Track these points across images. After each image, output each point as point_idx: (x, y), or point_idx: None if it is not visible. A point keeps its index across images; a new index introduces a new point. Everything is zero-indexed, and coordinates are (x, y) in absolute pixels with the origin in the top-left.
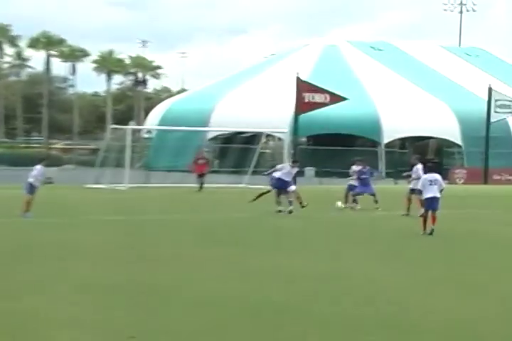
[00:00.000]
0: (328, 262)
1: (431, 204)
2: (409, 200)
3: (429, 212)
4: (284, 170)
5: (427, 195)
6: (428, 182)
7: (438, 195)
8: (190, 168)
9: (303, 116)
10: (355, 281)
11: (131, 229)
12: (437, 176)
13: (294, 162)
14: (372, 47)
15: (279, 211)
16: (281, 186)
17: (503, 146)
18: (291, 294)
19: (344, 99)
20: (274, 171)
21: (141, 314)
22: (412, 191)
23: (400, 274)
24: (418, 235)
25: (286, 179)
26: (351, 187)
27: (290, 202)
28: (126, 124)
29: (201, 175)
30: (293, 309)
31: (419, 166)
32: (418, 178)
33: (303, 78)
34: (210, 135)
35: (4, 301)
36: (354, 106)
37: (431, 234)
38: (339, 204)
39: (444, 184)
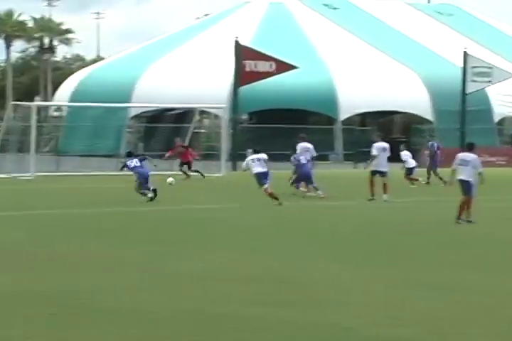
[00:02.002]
0: (268, 262)
1: None
2: (373, 183)
3: None
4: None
5: None
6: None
7: None
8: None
9: (244, 89)
10: (296, 283)
11: (38, 226)
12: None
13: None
14: (325, 5)
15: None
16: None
17: (482, 122)
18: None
19: (293, 67)
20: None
21: (40, 329)
22: (374, 173)
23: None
24: (381, 227)
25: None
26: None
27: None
28: (30, 100)
29: (185, 163)
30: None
31: (377, 144)
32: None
33: (243, 43)
34: (133, 112)
35: None
36: (305, 75)
37: None
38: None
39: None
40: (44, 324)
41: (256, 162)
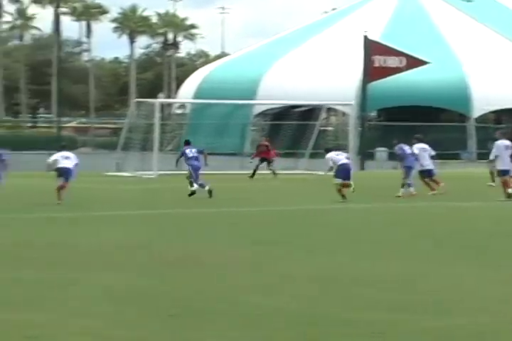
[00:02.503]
0: (398, 264)
1: None
2: (507, 183)
3: None
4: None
5: None
6: None
7: None
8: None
9: (373, 85)
10: (429, 287)
11: (162, 225)
12: None
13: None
14: None
15: None
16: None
17: None
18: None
19: (425, 62)
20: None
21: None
22: (502, 172)
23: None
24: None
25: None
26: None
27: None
28: (153, 97)
29: (264, 160)
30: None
31: (499, 142)
32: None
33: (373, 38)
34: (258, 110)
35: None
36: (437, 71)
37: None
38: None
39: None
40: (162, 325)
41: (340, 156)
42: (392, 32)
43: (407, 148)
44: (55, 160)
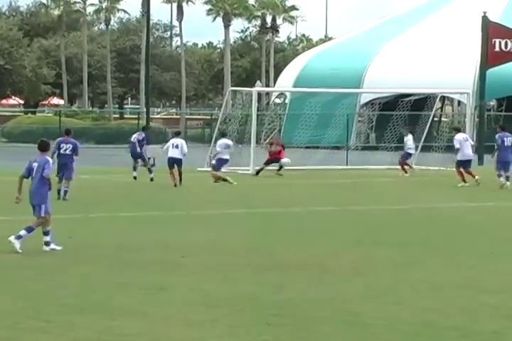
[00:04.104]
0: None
1: None
2: None
3: None
4: None
5: None
6: None
7: None
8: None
9: (492, 72)
10: None
11: (263, 225)
12: None
13: None
14: None
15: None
16: None
17: None
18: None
19: None
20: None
21: None
22: None
23: None
24: None
25: None
26: None
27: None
28: (250, 86)
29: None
30: None
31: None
32: None
33: (492, 19)
34: (364, 99)
35: None
36: None
37: None
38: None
39: None
40: (258, 335)
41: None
42: None
43: (507, 139)
44: (168, 147)
